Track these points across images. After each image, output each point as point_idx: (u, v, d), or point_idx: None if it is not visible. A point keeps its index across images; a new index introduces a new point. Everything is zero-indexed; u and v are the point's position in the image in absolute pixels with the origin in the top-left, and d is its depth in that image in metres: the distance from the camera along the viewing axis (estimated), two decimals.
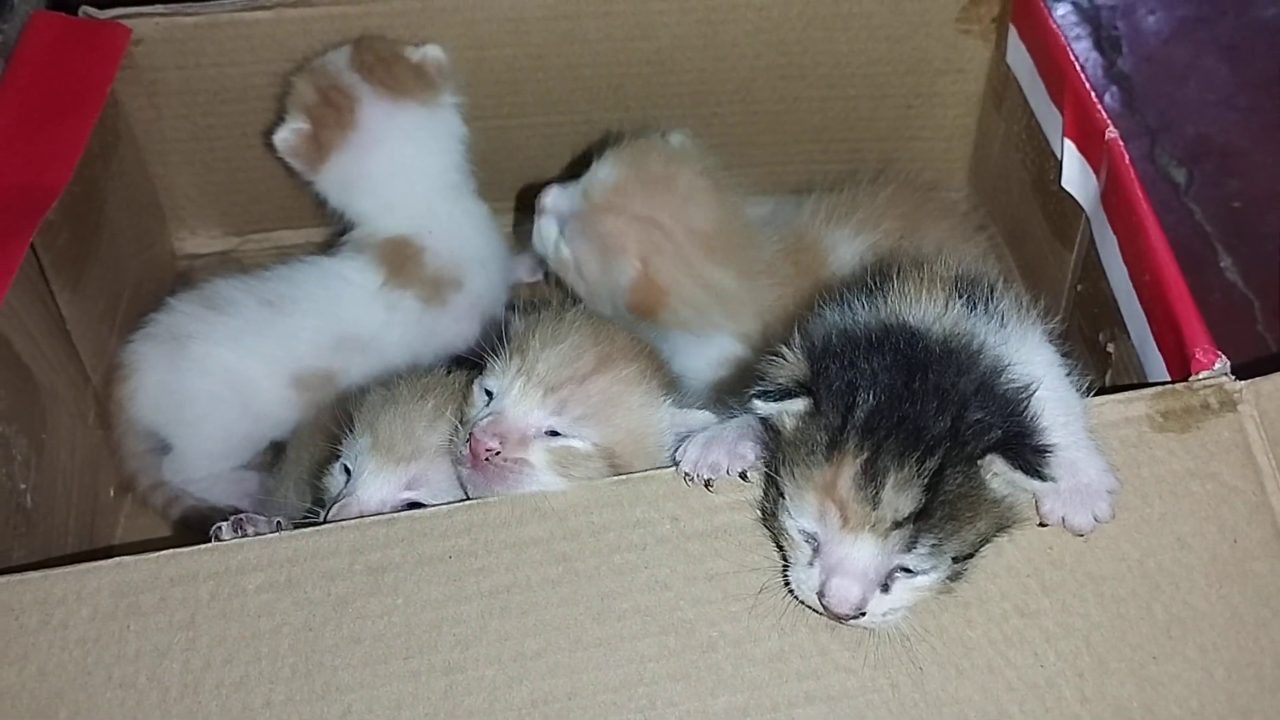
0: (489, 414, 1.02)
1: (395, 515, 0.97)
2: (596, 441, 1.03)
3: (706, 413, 1.07)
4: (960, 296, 0.99)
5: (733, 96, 1.57)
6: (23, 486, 1.20)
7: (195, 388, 1.37)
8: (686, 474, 0.97)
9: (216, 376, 1.37)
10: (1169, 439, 0.99)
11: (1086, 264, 1.31)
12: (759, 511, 0.96)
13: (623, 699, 0.90)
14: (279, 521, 1.05)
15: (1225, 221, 1.75)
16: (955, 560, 0.90)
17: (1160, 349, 1.09)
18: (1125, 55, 2.00)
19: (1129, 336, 1.17)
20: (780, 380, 0.94)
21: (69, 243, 1.32)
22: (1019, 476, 0.88)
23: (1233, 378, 1.00)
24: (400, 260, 1.43)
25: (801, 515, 0.90)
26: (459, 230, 1.47)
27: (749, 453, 0.97)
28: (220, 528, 1.02)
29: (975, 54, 1.54)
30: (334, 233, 1.54)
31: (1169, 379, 1.05)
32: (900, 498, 0.87)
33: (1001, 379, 0.92)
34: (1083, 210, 1.29)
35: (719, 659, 0.92)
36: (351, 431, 1.12)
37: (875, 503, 0.87)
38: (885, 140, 1.62)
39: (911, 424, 0.88)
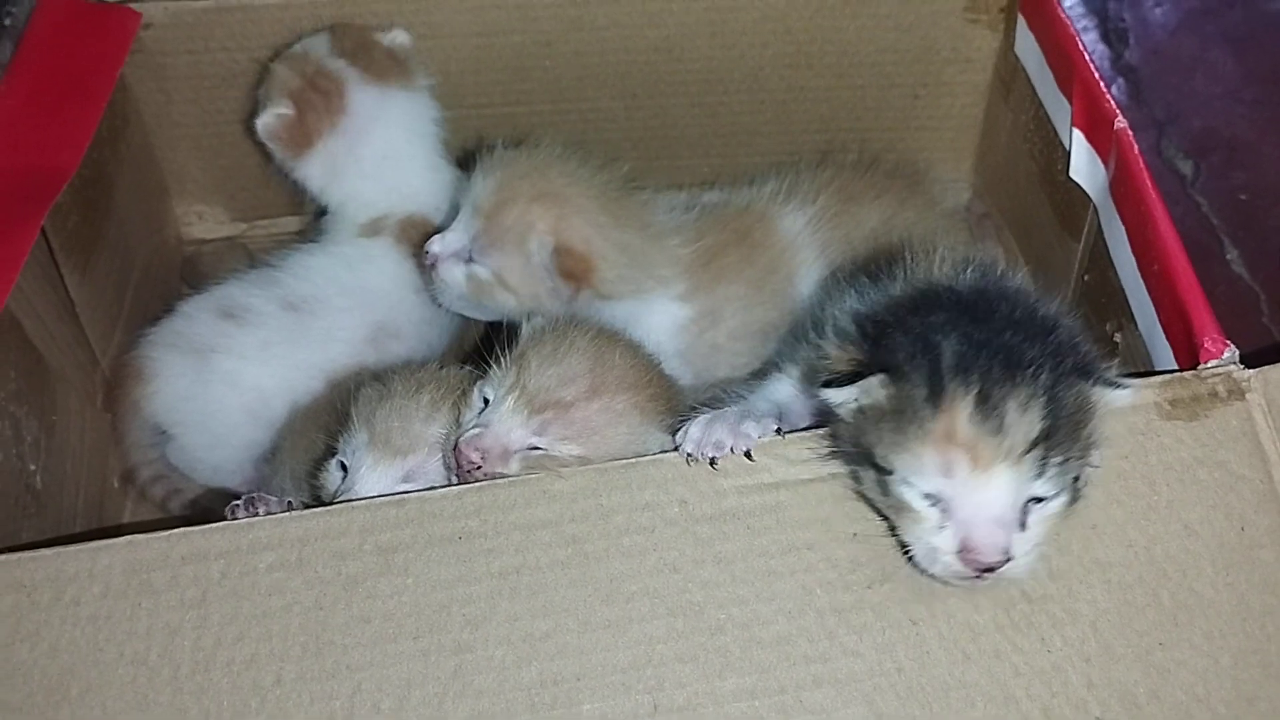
0: (475, 428, 1.05)
1: (406, 496, 0.97)
2: (577, 454, 1.05)
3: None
4: (974, 269, 1.00)
5: (740, 85, 1.57)
6: (32, 468, 1.21)
7: (223, 403, 1.35)
8: (689, 454, 0.97)
9: (247, 393, 1.35)
10: (1177, 427, 0.99)
11: (1094, 254, 1.31)
12: (862, 501, 0.94)
13: (631, 680, 0.91)
14: (290, 501, 1.05)
15: (1231, 214, 1.75)
16: (1074, 480, 0.89)
17: (1168, 338, 1.09)
18: (1132, 47, 1.99)
19: (1136, 326, 1.17)
20: (842, 369, 0.92)
21: (79, 226, 1.33)
22: (1120, 394, 0.90)
23: (1241, 366, 1.00)
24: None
25: (922, 478, 0.88)
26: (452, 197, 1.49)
27: (753, 431, 0.98)
28: (235, 506, 1.03)
29: (983, 43, 1.54)
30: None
31: (1177, 368, 1.06)
32: (1026, 417, 0.85)
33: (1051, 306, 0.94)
34: (1090, 200, 1.29)
35: (727, 641, 0.92)
36: (347, 428, 1.14)
37: (1003, 430, 0.85)
38: (892, 130, 1.62)
39: (1008, 348, 0.87)
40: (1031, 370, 0.86)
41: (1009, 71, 1.53)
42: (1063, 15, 1.35)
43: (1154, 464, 0.97)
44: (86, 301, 1.35)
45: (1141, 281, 1.15)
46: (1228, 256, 1.70)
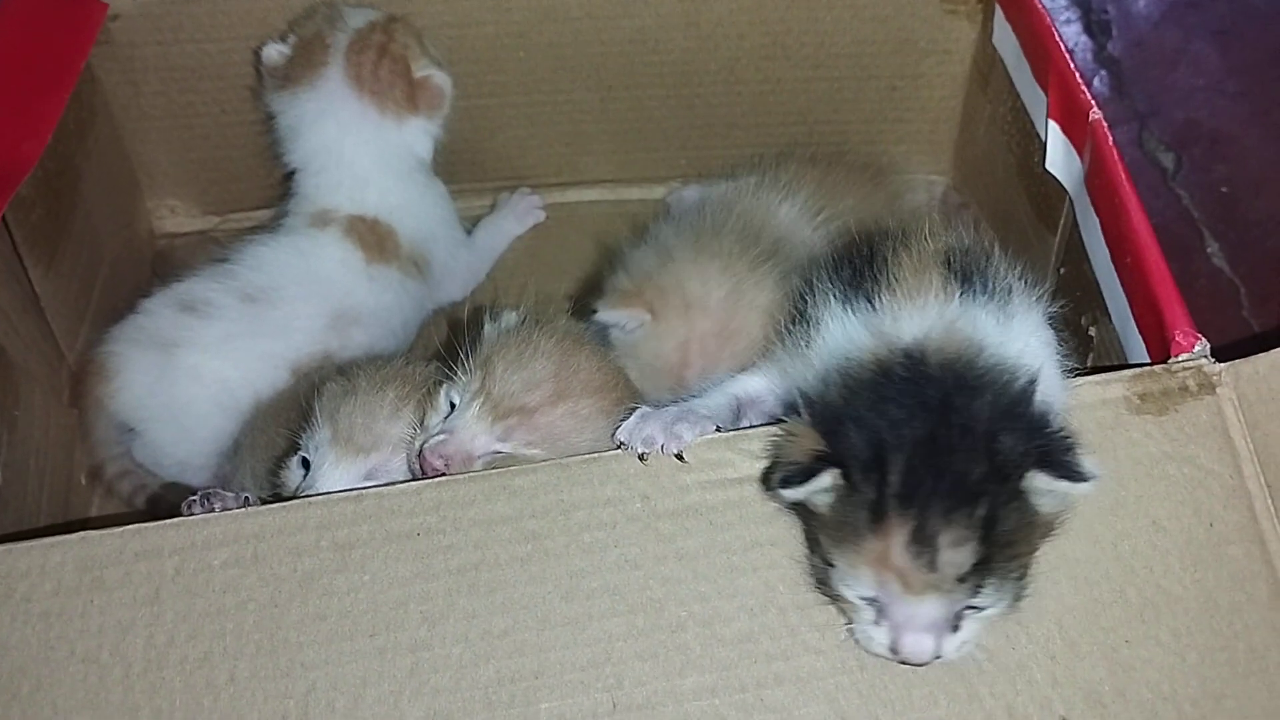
0: (440, 434, 1.06)
1: (363, 491, 0.96)
2: (541, 458, 1.04)
3: None
4: (956, 275, 0.97)
5: (715, 77, 1.56)
6: None
7: (189, 397, 1.34)
8: (622, 443, 0.97)
9: (211, 386, 1.34)
10: (1146, 421, 0.98)
11: (1069, 247, 1.30)
12: (811, 578, 0.92)
13: (590, 678, 0.89)
14: (247, 497, 1.04)
15: (1212, 207, 1.74)
16: (1018, 582, 0.88)
17: (1141, 331, 1.08)
18: (1115, 39, 1.98)
19: (1110, 319, 1.16)
20: (798, 459, 0.89)
21: (43, 219, 1.31)
22: (1064, 485, 0.86)
23: (1212, 360, 0.99)
24: (376, 240, 1.44)
25: (858, 584, 0.87)
26: (415, 211, 1.49)
27: (685, 434, 0.96)
28: (191, 502, 1.01)
29: (961, 35, 1.53)
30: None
31: (1149, 361, 1.05)
32: (958, 554, 0.84)
33: (1012, 379, 0.90)
34: (1066, 193, 1.28)
35: (688, 639, 0.91)
36: (309, 423, 1.13)
37: (933, 566, 0.84)
38: (869, 122, 1.61)
39: (950, 476, 0.85)
40: (970, 503, 0.84)
41: (987, 63, 1.51)
42: (1039, 6, 1.34)
43: (1122, 459, 0.96)
44: (52, 296, 1.33)
45: (1115, 274, 1.14)
46: (1208, 249, 1.70)
